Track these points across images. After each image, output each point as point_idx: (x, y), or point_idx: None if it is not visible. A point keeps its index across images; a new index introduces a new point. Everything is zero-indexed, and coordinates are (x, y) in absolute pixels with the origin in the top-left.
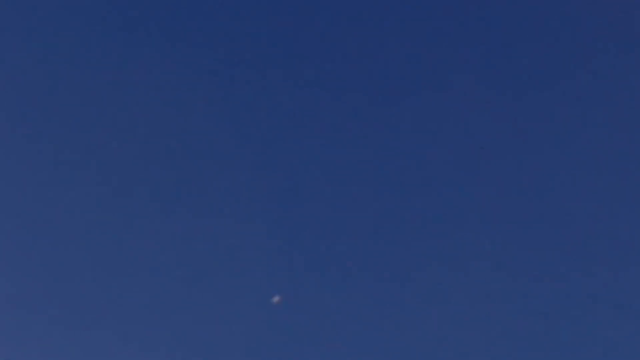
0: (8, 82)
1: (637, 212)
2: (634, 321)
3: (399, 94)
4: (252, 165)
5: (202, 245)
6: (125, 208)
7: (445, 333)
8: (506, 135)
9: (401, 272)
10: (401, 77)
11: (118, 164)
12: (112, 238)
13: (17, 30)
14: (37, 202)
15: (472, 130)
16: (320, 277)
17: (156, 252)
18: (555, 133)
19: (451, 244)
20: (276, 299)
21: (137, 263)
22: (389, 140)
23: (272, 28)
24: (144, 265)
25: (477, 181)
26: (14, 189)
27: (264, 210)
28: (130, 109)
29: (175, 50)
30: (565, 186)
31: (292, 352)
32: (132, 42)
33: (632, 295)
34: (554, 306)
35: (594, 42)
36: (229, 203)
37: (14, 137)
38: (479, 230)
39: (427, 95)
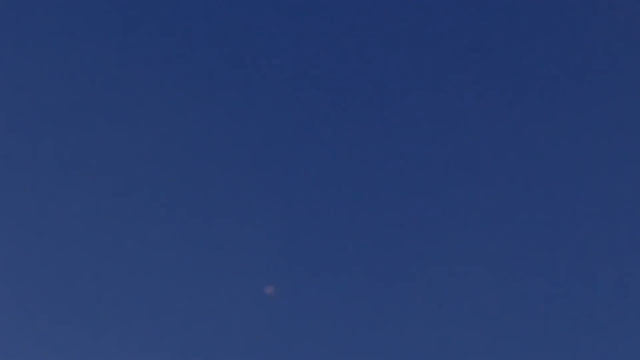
0: (8, 82)
1: (637, 212)
2: (634, 321)
3: (399, 94)
4: (252, 165)
5: (202, 245)
6: (126, 208)
7: (445, 333)
8: (506, 135)
9: (401, 272)
10: (401, 77)
11: (118, 164)
12: (112, 238)
13: (17, 30)
14: (36, 202)
15: (473, 130)
16: (320, 277)
17: (156, 252)
18: (555, 133)
19: (451, 244)
20: (269, 289)
21: (137, 263)
22: (389, 140)
23: (272, 28)
24: (144, 265)
25: (477, 181)
26: (15, 189)
27: (264, 210)
28: (131, 109)
29: (176, 50)
30: (565, 186)
31: (292, 352)
32: (132, 42)
33: (632, 295)
34: (554, 306)
35: (594, 42)
36: (229, 203)
37: (14, 137)
38: (479, 230)
39: (427, 96)
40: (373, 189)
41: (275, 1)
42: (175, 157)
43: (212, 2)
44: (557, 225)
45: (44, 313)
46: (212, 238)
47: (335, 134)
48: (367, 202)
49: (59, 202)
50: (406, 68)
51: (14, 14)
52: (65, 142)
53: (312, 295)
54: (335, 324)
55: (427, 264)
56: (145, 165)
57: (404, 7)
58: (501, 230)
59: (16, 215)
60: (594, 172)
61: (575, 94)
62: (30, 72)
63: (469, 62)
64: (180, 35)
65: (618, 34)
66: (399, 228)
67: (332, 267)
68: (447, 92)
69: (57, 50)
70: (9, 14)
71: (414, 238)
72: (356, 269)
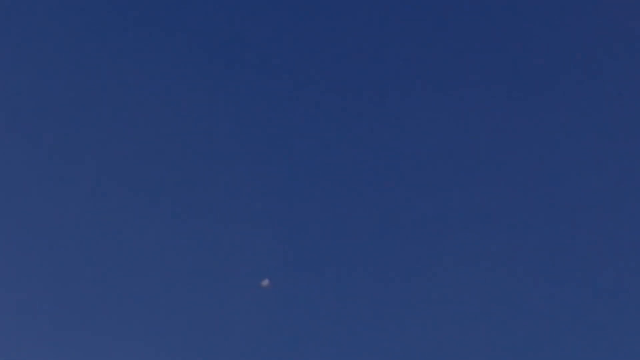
0: (8, 82)
1: (637, 212)
2: (634, 321)
3: (399, 94)
4: (252, 165)
5: (201, 244)
6: (125, 208)
7: (445, 333)
8: (506, 135)
9: (401, 272)
10: (401, 77)
11: (118, 164)
12: (112, 238)
13: (17, 30)
14: (36, 202)
15: (473, 130)
16: (320, 277)
17: (156, 251)
18: (555, 133)
19: (451, 243)
20: (265, 282)
21: (137, 263)
22: (389, 140)
23: (272, 28)
24: (143, 265)
25: (477, 181)
26: (15, 189)
27: (264, 210)
28: (131, 109)
29: (176, 50)
30: (565, 186)
31: (292, 352)
32: (132, 42)
33: (632, 295)
34: (554, 306)
35: (594, 42)
36: (229, 202)
37: (14, 137)
38: (480, 230)
39: (427, 96)
40: (373, 189)
41: (275, 1)
42: (175, 157)
43: (213, 2)
44: (557, 225)
45: (44, 313)
46: (212, 238)
47: (335, 134)
48: (367, 201)
49: (59, 202)
50: (407, 68)
51: (14, 14)
52: (65, 142)
53: (312, 295)
54: (336, 324)
55: (427, 264)
56: (145, 165)
57: (405, 8)
58: (501, 230)
59: (16, 215)
60: (594, 172)
61: (575, 94)
62: (30, 72)
63: (469, 62)
64: (180, 35)
65: (618, 34)
66: (399, 228)
67: (332, 267)
68: (447, 93)
69: (57, 50)
70: (9, 14)
71: (414, 238)
72: (356, 269)
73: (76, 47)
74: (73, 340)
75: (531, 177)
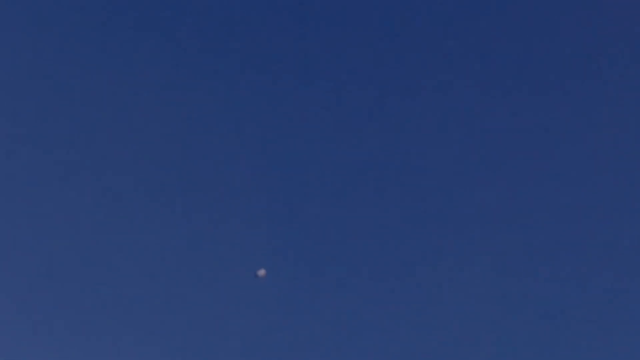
0: (8, 82)
1: (637, 212)
2: (634, 321)
3: (400, 94)
4: (252, 165)
5: (201, 244)
6: (126, 208)
7: (445, 333)
8: (506, 135)
9: (402, 272)
10: (402, 77)
11: (118, 164)
12: (112, 238)
13: (17, 30)
14: (36, 202)
15: (473, 130)
16: (321, 277)
17: (156, 251)
18: (556, 133)
19: (452, 244)
20: (261, 272)
21: (137, 263)
22: (389, 140)
23: (273, 28)
24: (144, 265)
25: (478, 181)
26: (15, 189)
27: (265, 211)
28: (130, 108)
29: (176, 50)
30: (566, 186)
31: (292, 352)
32: (132, 42)
33: (633, 295)
34: (554, 306)
35: (594, 42)
36: (229, 203)
37: (14, 137)
38: (480, 231)
39: (428, 96)
40: (374, 189)
41: (276, 1)
42: (175, 157)
43: (213, 2)
44: (557, 225)
45: (44, 313)
46: (212, 237)
47: (336, 134)
48: (367, 202)
49: (59, 202)
50: (407, 68)
51: (14, 14)
52: (65, 142)
53: (313, 295)
54: (336, 324)
55: (427, 264)
56: (145, 165)
57: (405, 8)
58: (501, 231)
59: (16, 215)
60: (594, 172)
61: (575, 94)
62: (30, 72)
63: (469, 62)
64: (180, 35)
65: (618, 34)
66: (400, 228)
67: (332, 267)
68: (447, 93)
69: (57, 50)
70: (9, 14)
71: (414, 238)
72: (356, 269)
73: (76, 47)
74: (73, 340)
75: (531, 177)
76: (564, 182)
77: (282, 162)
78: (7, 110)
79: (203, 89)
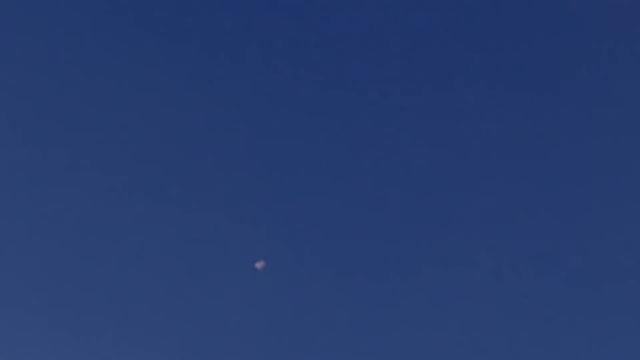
0: (8, 82)
1: (637, 213)
2: (634, 321)
3: (400, 95)
4: (252, 165)
5: (201, 245)
6: (125, 208)
7: (445, 333)
8: (506, 135)
9: (402, 272)
10: (402, 77)
11: (118, 164)
12: (112, 238)
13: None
14: (36, 202)
15: (473, 130)
16: (320, 277)
17: (156, 252)
18: (556, 133)
19: (452, 244)
20: (260, 264)
21: (137, 263)
22: (389, 140)
23: (273, 28)
24: (143, 265)
25: (477, 182)
26: (15, 189)
27: (265, 211)
28: (130, 108)
29: (176, 50)
30: (566, 187)
31: (291, 352)
32: (132, 42)
33: (632, 295)
34: (554, 306)
35: (594, 42)
36: (229, 203)
37: (14, 137)
38: (480, 231)
39: (428, 96)
40: (374, 189)
41: (277, 1)
42: (175, 157)
43: (213, 2)
44: (557, 225)
45: (44, 313)
46: (212, 237)
47: (336, 135)
48: (368, 202)
49: (58, 202)
50: (407, 68)
51: (14, 14)
52: (65, 142)
53: (313, 295)
54: (337, 324)
55: (427, 264)
56: (145, 165)
57: (405, 8)
58: (502, 231)
59: (16, 215)
60: (594, 172)
61: (575, 94)
62: (30, 72)
63: (469, 62)
64: (180, 35)
65: (618, 34)
66: (400, 228)
67: (332, 267)
68: (448, 93)
69: (57, 50)
70: (9, 14)
71: (415, 238)
72: (357, 269)
73: (76, 46)
74: (72, 340)
75: (531, 177)
76: (564, 182)
77: (282, 162)
78: (6, 110)
79: (202, 87)
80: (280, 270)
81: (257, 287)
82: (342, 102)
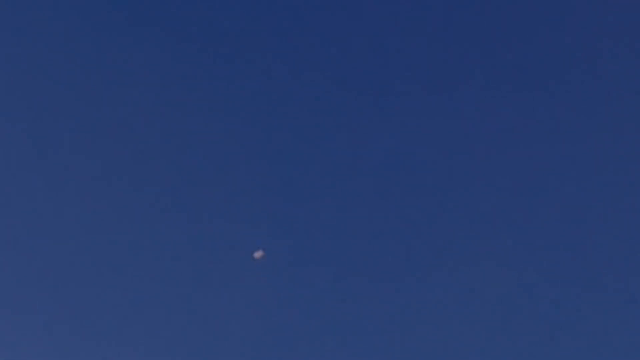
0: (8, 82)
1: (637, 213)
2: (634, 321)
3: (400, 94)
4: (253, 165)
5: (201, 245)
6: (126, 208)
7: (446, 332)
8: (507, 135)
9: (402, 271)
10: (403, 77)
11: (118, 164)
12: (112, 238)
13: (17, 30)
14: (35, 202)
15: (474, 130)
16: (320, 277)
17: (156, 252)
18: (556, 133)
19: (452, 244)
20: (259, 253)
21: (137, 263)
22: (389, 140)
23: (273, 28)
24: (144, 265)
25: (478, 182)
26: (15, 189)
27: (266, 211)
28: (129, 107)
29: (176, 50)
30: (566, 187)
31: (292, 352)
32: (133, 42)
33: (632, 295)
34: (555, 308)
35: (594, 42)
36: (229, 203)
37: (14, 137)
38: (480, 231)
39: (427, 96)
40: (375, 189)
41: (277, 1)
42: (175, 157)
43: (214, 2)
44: (557, 225)
45: (44, 313)
46: (213, 237)
47: (336, 135)
48: (369, 202)
49: (58, 202)
50: (407, 68)
51: (14, 14)
52: (65, 142)
53: (312, 295)
54: (337, 324)
55: (428, 264)
56: (145, 165)
57: (406, 8)
58: (502, 231)
59: (16, 215)
60: (594, 172)
61: (576, 94)
62: (30, 72)
63: (469, 62)
64: (180, 35)
65: (618, 35)
66: (400, 227)
67: (332, 267)
68: (448, 93)
69: (57, 50)
70: (9, 14)
71: (415, 238)
72: (357, 270)
73: (76, 46)
74: (71, 340)
75: (532, 177)
76: (564, 182)
77: (282, 161)
78: (7, 110)
79: (201, 85)
80: (280, 270)
81: (257, 287)
82: (342, 102)
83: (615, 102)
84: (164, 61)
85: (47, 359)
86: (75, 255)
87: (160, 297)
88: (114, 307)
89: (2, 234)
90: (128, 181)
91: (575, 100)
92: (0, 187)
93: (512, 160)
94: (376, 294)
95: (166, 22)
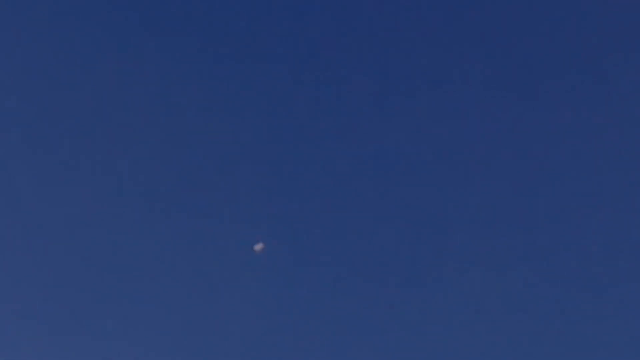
0: (8, 82)
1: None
2: (634, 321)
3: (400, 94)
4: (253, 165)
5: (201, 245)
6: (126, 208)
7: (446, 333)
8: (507, 136)
9: (402, 272)
10: (403, 77)
11: (118, 164)
12: (112, 238)
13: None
14: (35, 202)
15: (475, 131)
16: (320, 277)
17: (156, 252)
18: (556, 134)
19: (452, 244)
20: (259, 246)
21: (137, 263)
22: (389, 140)
23: (273, 28)
24: (144, 265)
25: (479, 182)
26: (15, 189)
27: (266, 211)
28: (129, 107)
29: (176, 50)
30: (566, 187)
31: (292, 352)
32: (133, 42)
33: (633, 295)
34: (555, 307)
35: (594, 42)
36: (229, 203)
37: (14, 137)
38: (480, 231)
39: (427, 96)
40: (375, 189)
41: (277, 1)
42: (175, 157)
43: (214, 2)
44: (557, 225)
45: (44, 313)
46: (213, 237)
47: (336, 135)
48: (369, 202)
49: (58, 202)
50: (407, 68)
51: (14, 14)
52: (65, 142)
53: (312, 294)
54: (338, 324)
55: (428, 264)
56: (145, 165)
57: (406, 8)
58: (502, 231)
59: (16, 215)
60: (594, 172)
61: (576, 94)
62: (30, 72)
63: (469, 62)
64: (180, 35)
65: (618, 35)
66: (401, 228)
67: (332, 267)
68: (448, 93)
69: (57, 50)
70: (9, 14)
71: (416, 238)
72: (357, 270)
73: (76, 46)
74: (72, 340)
75: (532, 177)
76: (565, 182)
77: (282, 161)
78: (6, 110)
79: (201, 85)
80: (279, 269)
81: (256, 286)
82: (342, 102)
83: (615, 102)
84: (164, 61)
85: (47, 359)
86: (74, 254)
87: (160, 296)
88: (114, 306)
89: (2, 234)
90: (128, 181)
91: (575, 100)
92: (0, 187)
93: (512, 160)
94: (376, 294)
95: (166, 22)
